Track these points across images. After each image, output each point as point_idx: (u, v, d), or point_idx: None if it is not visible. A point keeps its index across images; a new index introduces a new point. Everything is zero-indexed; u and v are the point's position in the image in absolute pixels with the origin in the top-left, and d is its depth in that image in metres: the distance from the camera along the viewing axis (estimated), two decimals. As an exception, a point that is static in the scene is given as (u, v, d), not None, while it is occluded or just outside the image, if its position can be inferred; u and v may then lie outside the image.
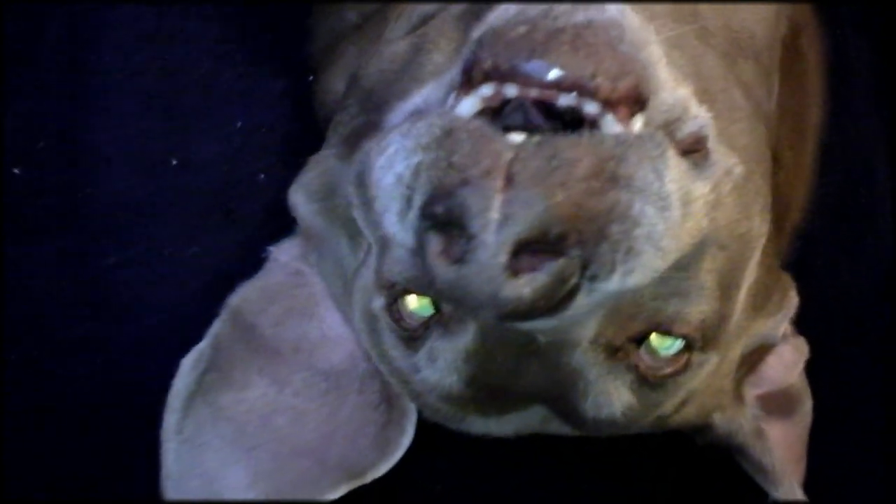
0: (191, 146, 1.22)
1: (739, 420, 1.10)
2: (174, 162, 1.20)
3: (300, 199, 1.07)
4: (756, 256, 0.95)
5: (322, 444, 1.06)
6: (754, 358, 1.10)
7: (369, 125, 0.92)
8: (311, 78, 1.20)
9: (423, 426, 1.06)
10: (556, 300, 0.73)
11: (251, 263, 1.11)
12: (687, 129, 0.81)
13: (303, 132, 1.20)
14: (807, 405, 1.16)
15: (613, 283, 0.74)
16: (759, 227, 0.93)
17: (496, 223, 0.69)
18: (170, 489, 1.06)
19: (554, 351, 0.86)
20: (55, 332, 1.20)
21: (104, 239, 1.20)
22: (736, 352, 1.03)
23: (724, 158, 0.85)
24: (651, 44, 0.77)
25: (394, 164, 0.75)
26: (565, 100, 0.72)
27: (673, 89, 0.79)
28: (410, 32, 1.00)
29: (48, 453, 1.20)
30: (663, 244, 0.74)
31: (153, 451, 1.05)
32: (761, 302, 1.02)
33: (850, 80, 1.40)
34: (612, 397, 0.89)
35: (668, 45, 0.83)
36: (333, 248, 1.04)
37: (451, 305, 0.84)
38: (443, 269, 0.72)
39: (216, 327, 1.08)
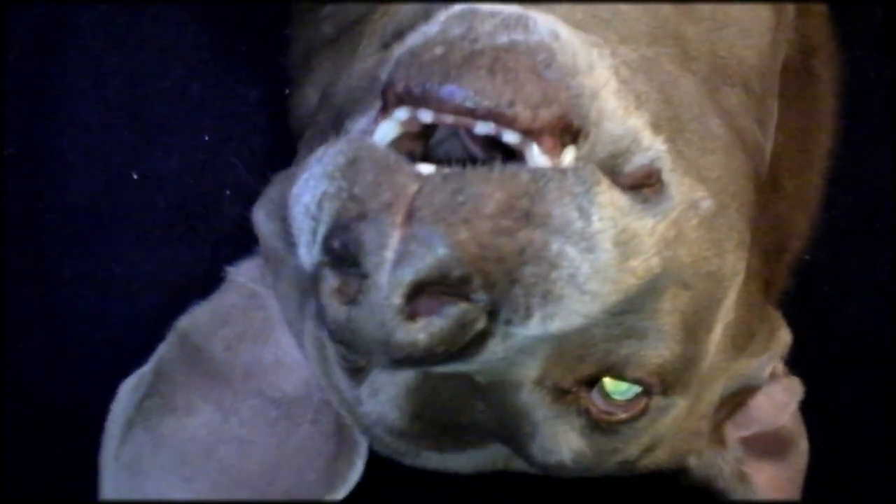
0: (156, 157, 1.21)
1: (719, 463, 1.04)
2: (135, 176, 1.17)
3: (261, 217, 1.04)
4: (731, 296, 0.89)
5: (267, 476, 1.03)
6: (738, 399, 1.04)
7: None
8: (287, 91, 1.16)
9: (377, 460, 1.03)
10: (459, 345, 0.68)
11: (211, 283, 1.08)
12: (636, 162, 0.75)
13: (277, 146, 1.17)
14: (801, 447, 1.10)
15: (532, 328, 0.69)
16: (734, 265, 0.87)
17: (391, 262, 0.64)
18: None
19: (497, 391, 0.81)
20: (6, 341, 1.19)
21: (61, 250, 1.19)
22: (713, 394, 0.97)
23: (687, 192, 0.79)
24: (594, 69, 0.71)
25: (304, 192, 0.70)
26: (483, 128, 0.67)
27: (622, 118, 0.74)
28: (382, 49, 0.96)
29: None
30: (591, 287, 0.69)
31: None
32: (742, 342, 0.97)
33: (868, 102, 1.35)
34: (560, 442, 0.84)
35: (631, 68, 0.78)
36: (290, 270, 1.01)
37: (344, 348, 0.79)
38: (334, 309, 0.67)
39: (161, 350, 1.05)
